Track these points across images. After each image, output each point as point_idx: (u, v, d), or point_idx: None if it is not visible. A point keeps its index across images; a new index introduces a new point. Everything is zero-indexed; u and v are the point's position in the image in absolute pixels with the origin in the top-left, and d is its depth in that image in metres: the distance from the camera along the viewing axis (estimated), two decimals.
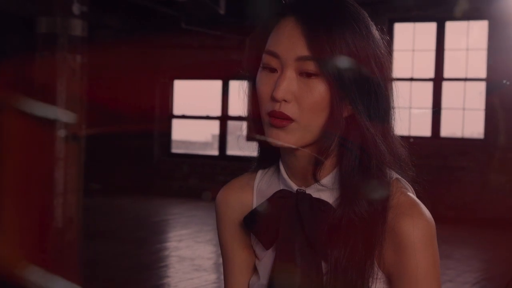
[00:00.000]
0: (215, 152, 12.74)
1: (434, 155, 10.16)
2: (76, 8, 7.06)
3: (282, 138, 1.32)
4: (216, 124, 12.51)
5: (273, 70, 1.34)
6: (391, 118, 1.38)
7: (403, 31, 10.66)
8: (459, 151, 10.18)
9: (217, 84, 12.28)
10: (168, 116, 12.62)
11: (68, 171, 7.20)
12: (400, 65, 10.58)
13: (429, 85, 10.52)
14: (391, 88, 1.38)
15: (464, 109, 10.36)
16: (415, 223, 1.31)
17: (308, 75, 1.31)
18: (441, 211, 9.38)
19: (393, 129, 1.39)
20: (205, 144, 15.27)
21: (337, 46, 1.30)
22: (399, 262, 1.33)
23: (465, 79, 10.36)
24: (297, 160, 1.38)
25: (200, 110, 12.62)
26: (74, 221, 7.35)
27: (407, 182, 1.40)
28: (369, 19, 1.37)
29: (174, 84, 12.64)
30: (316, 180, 1.37)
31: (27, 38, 7.09)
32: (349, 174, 1.34)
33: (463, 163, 10.10)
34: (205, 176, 12.05)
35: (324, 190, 1.38)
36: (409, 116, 10.38)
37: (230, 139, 12.23)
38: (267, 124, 1.34)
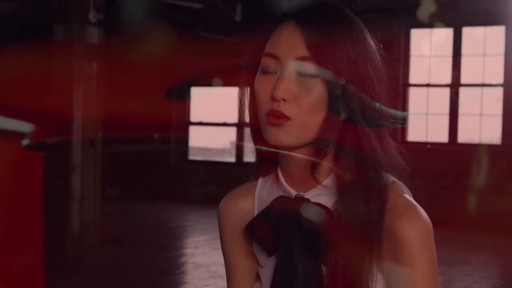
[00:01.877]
0: (234, 159, 12.75)
1: (452, 161, 10.11)
2: (92, 16, 7.11)
3: (280, 137, 1.34)
4: (233, 131, 12.53)
5: (272, 72, 1.36)
6: (387, 122, 1.40)
7: (420, 37, 10.63)
8: (477, 157, 10.12)
9: (234, 90, 12.29)
10: (185, 123, 12.65)
11: (85, 177, 7.25)
12: (417, 71, 10.57)
13: (446, 91, 10.47)
14: (386, 92, 1.40)
15: (481, 114, 10.31)
16: (411, 224, 1.33)
17: (307, 75, 1.33)
18: (458, 217, 9.33)
19: (388, 132, 1.40)
20: (223, 151, 15.29)
21: (336, 48, 1.33)
22: (396, 263, 1.34)
23: (482, 85, 10.31)
24: (295, 164, 1.39)
25: (217, 117, 12.65)
26: (91, 227, 7.40)
27: (404, 185, 1.41)
28: (363, 26, 1.41)
29: (191, 91, 12.67)
30: (317, 181, 1.38)
31: (44, 45, 7.13)
32: (346, 177, 1.36)
33: (480, 169, 10.04)
34: (223, 183, 12.05)
35: (323, 195, 1.39)
36: (426, 122, 10.34)
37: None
38: (266, 124, 1.36)
